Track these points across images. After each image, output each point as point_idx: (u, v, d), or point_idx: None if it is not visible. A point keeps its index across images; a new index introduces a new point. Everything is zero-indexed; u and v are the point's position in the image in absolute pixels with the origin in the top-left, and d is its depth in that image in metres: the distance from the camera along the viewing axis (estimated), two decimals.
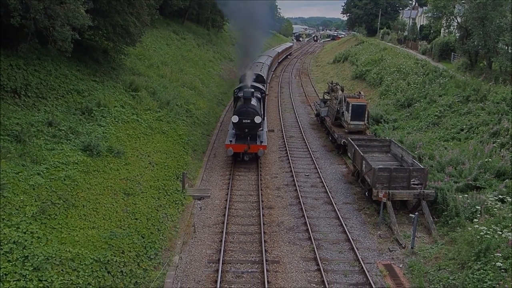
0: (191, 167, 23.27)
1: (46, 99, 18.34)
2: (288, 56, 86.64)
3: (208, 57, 51.00)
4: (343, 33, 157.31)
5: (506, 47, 31.01)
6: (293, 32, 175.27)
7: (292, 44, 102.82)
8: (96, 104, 20.31)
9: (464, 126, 24.99)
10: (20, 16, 15.84)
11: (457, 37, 39.01)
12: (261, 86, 29.32)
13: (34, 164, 14.56)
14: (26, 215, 12.46)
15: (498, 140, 21.93)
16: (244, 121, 24.08)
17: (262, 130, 25.48)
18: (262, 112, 26.49)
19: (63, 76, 20.18)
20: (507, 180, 18.40)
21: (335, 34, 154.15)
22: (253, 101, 25.14)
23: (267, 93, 34.44)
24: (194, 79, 37.70)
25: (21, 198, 12.81)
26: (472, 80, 30.27)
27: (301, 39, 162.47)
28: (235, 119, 24.10)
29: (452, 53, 42.77)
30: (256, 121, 24.01)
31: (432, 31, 60.15)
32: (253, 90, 25.32)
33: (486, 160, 20.03)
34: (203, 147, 26.99)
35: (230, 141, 24.48)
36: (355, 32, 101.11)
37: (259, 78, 31.59)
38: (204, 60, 48.03)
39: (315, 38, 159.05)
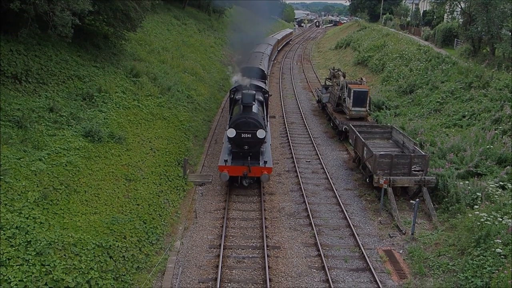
0: (192, 153, 23.29)
1: (47, 84, 18.29)
2: (290, 42, 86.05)
3: (209, 42, 50.69)
4: (345, 18, 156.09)
5: (510, 33, 30.75)
6: (295, 17, 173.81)
7: (292, 30, 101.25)
8: (97, 90, 20.27)
9: (466, 113, 24.91)
10: (19, 1, 15.72)
11: (461, 23, 38.67)
12: (263, 85, 24.28)
13: (36, 149, 14.59)
14: (28, 201, 12.52)
15: (500, 127, 21.89)
16: (243, 135, 19.09)
17: (265, 143, 20.40)
18: (265, 121, 21.39)
19: (64, 61, 20.09)
20: (508, 167, 18.40)
21: (337, 20, 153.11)
22: (255, 108, 20.13)
23: (270, 93, 27.36)
24: (195, 64, 37.53)
25: (23, 184, 12.86)
26: (475, 66, 30.08)
27: (303, 24, 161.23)
28: (231, 133, 19.01)
29: (455, 39, 42.44)
30: (258, 136, 19.03)
31: (435, 17, 59.63)
32: (254, 92, 20.07)
33: (487, 147, 20.01)
34: (205, 133, 26.98)
35: (225, 161, 19.24)
36: (357, 18, 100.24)
37: (259, 73, 26.44)
38: (205, 45, 47.75)
39: (317, 24, 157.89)
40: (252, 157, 19.45)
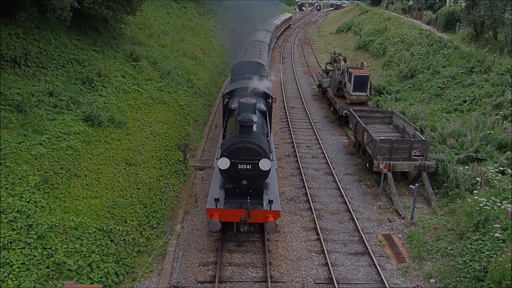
0: (192, 137, 23.28)
1: (46, 68, 18.20)
2: (290, 26, 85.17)
3: (209, 26, 50.31)
4: (347, 2, 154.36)
5: None
6: (296, 1, 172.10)
7: (291, 14, 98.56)
8: (96, 74, 20.17)
9: (467, 98, 24.85)
10: None
11: (463, 6, 38.34)
12: (265, 87, 18.93)
13: (36, 134, 14.59)
14: (29, 185, 12.57)
15: (501, 112, 21.86)
16: (240, 166, 13.73)
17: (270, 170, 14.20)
18: (269, 138, 16.08)
19: (63, 45, 19.97)
20: (508, 152, 18.43)
21: (339, 4, 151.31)
22: (256, 126, 14.63)
23: (274, 98, 20.59)
24: (195, 48, 37.30)
25: (24, 168, 12.89)
26: (477, 51, 29.91)
27: (304, 8, 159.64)
28: (224, 164, 13.56)
29: (458, 23, 42.11)
30: (262, 168, 13.63)
31: (437, 1, 59.08)
32: (254, 102, 14.89)
33: (488, 132, 20.01)
34: (205, 118, 26.94)
35: (215, 200, 14.02)
36: (358, 2, 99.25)
37: (258, 69, 21.24)
38: (205, 29, 47.41)
39: (318, 8, 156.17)
40: (252, 195, 14.23)
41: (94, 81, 19.61)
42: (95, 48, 22.40)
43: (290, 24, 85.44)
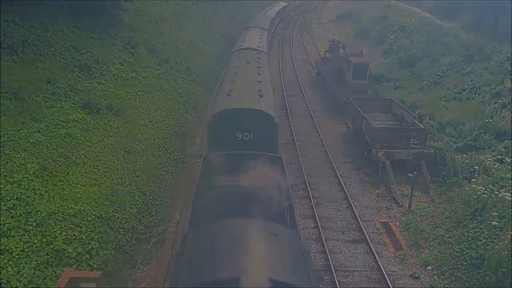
0: (191, 125, 23.23)
1: (43, 55, 18.07)
2: (289, 14, 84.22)
3: (208, 13, 49.88)
4: None
5: None
6: None
7: (286, 4, 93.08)
8: (94, 61, 20.04)
9: (466, 86, 24.82)
10: None
11: None
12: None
13: (34, 121, 14.55)
14: (28, 172, 12.57)
15: (500, 101, 21.84)
16: None
17: None
18: None
19: (61, 32, 19.79)
20: (506, 141, 18.45)
21: None
22: None
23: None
24: (193, 36, 37.04)
25: (22, 156, 12.88)
26: (477, 39, 29.78)
27: None
28: None
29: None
30: None
31: None
32: None
33: (486, 120, 20.01)
34: (203, 106, 26.85)
35: None
36: None
37: (263, 132, 13.25)
38: (204, 16, 47.00)
39: None
40: None
41: (92, 69, 19.49)
42: (93, 35, 22.21)
43: (283, 16, 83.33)
